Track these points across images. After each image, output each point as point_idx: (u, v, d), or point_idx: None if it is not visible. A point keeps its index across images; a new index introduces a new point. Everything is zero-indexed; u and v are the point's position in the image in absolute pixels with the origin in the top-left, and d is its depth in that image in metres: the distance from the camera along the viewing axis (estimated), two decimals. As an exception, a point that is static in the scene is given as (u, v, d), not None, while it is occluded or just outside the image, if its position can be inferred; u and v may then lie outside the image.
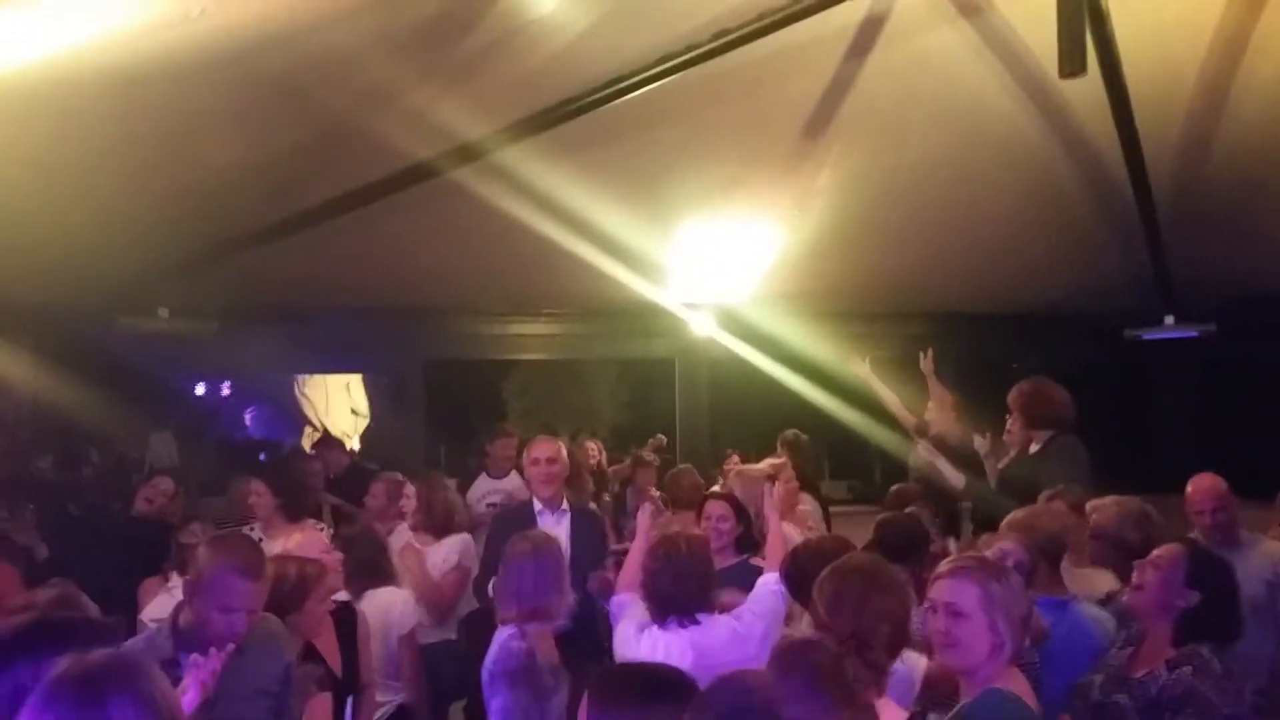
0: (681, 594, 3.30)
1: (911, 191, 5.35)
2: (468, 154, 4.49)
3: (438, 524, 5.10)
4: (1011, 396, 5.18)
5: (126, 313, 5.86)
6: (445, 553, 4.99)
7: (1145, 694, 2.75)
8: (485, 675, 3.30)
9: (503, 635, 3.36)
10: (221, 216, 5.12)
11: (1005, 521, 3.60)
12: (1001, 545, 3.45)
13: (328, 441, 7.91)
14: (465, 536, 5.15)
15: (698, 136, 4.83)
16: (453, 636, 4.97)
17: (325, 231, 5.17)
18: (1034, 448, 5.09)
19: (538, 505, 4.69)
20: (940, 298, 7.12)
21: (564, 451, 4.86)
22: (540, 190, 4.88)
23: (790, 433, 6.48)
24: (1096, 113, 4.49)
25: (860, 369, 6.29)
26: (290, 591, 3.18)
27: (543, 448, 4.77)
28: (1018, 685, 2.44)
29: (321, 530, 4.94)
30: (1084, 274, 6.58)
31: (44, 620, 1.93)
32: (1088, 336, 7.43)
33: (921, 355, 5.99)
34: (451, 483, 5.92)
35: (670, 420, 8.16)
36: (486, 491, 6.47)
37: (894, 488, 5.74)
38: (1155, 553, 2.98)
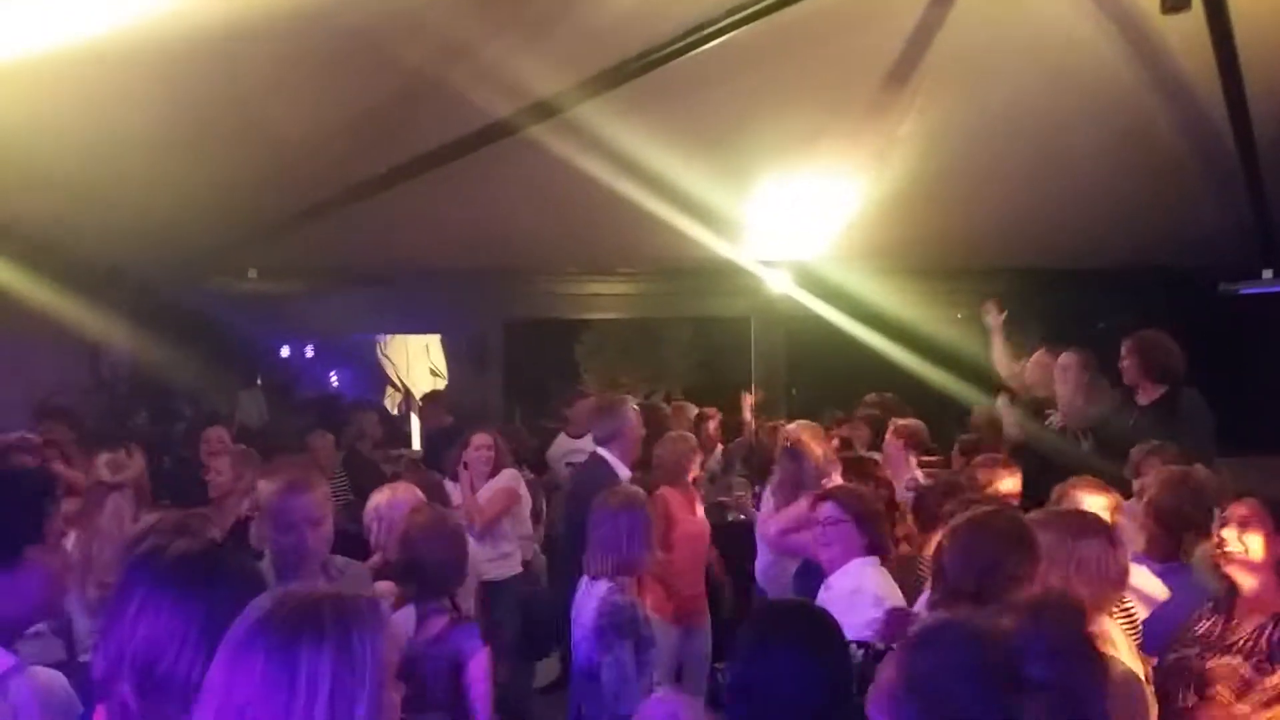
0: None
1: (998, 140, 5.19)
2: (543, 110, 4.49)
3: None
4: (1129, 344, 4.96)
5: (218, 273, 6.05)
6: (496, 481, 5.22)
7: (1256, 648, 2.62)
8: (587, 630, 3.35)
9: (599, 589, 3.41)
10: (306, 179, 5.23)
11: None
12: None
13: (432, 397, 8.03)
14: (513, 471, 5.37)
15: (775, 88, 4.75)
16: (519, 570, 5.26)
17: (405, 193, 5.25)
18: (1142, 400, 4.89)
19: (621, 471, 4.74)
20: (1026, 252, 6.92)
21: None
22: (614, 147, 4.86)
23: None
24: (1197, 52, 4.29)
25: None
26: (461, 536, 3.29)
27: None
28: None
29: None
30: (1178, 225, 6.33)
31: (219, 554, 1.85)
32: (1180, 291, 7.15)
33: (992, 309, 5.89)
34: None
35: (746, 380, 8.13)
36: (567, 451, 6.52)
37: None
38: (1242, 511, 2.77)
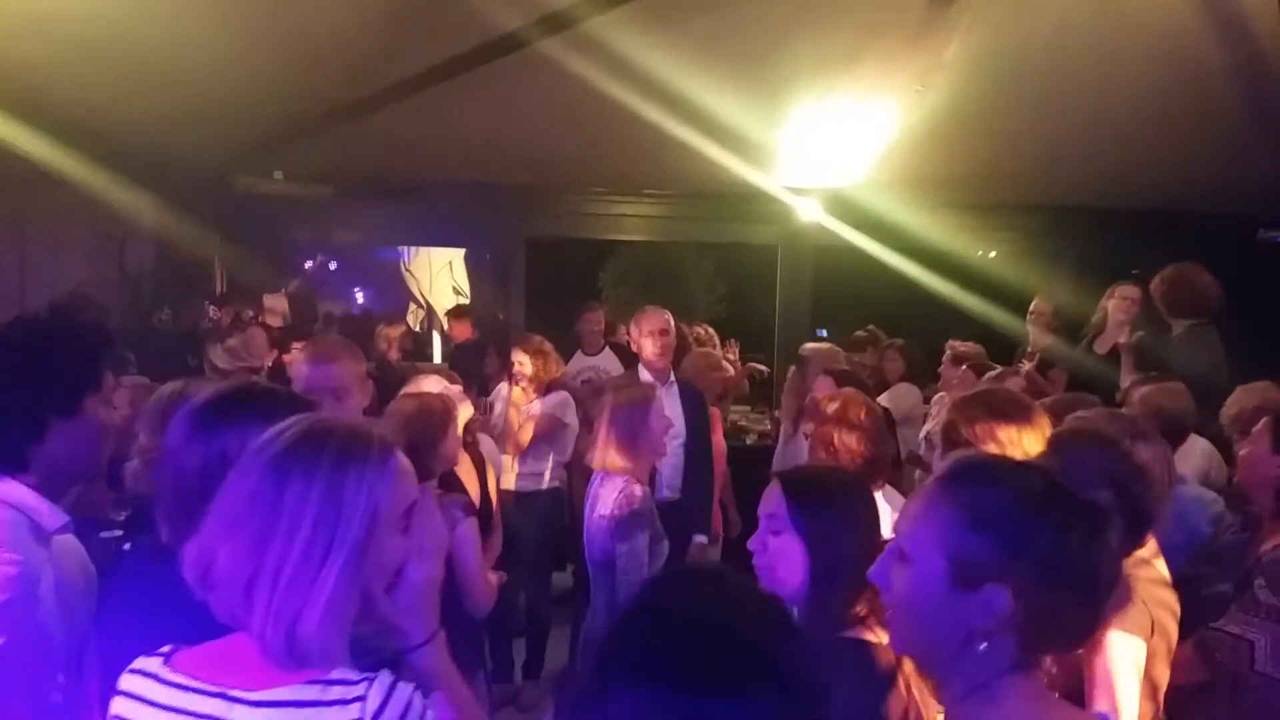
0: None
1: (1044, 68, 5.02)
2: (565, 21, 4.37)
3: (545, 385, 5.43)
4: (1154, 283, 4.97)
5: (244, 172, 6.02)
6: (543, 405, 5.35)
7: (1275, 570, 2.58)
8: (606, 523, 3.43)
9: (615, 483, 3.50)
10: (331, 82, 5.15)
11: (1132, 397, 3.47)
12: None
13: (457, 312, 8.14)
14: (564, 394, 5.48)
15: (812, 4, 4.60)
16: (558, 484, 5.45)
17: (429, 103, 5.18)
18: (1174, 336, 4.92)
19: (646, 376, 4.73)
20: (1065, 189, 6.77)
21: (672, 323, 4.94)
22: (639, 65, 4.73)
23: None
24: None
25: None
26: (438, 419, 3.31)
27: (655, 319, 4.81)
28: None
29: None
30: (1222, 169, 6.17)
31: (250, 387, 1.86)
32: (1219, 237, 6.99)
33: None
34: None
35: (770, 311, 8.07)
36: (581, 369, 6.56)
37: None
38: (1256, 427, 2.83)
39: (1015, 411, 2.51)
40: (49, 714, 1.81)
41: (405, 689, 1.33)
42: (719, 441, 5.25)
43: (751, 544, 2.05)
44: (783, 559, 1.96)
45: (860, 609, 1.90)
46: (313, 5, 4.33)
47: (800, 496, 1.99)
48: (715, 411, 5.32)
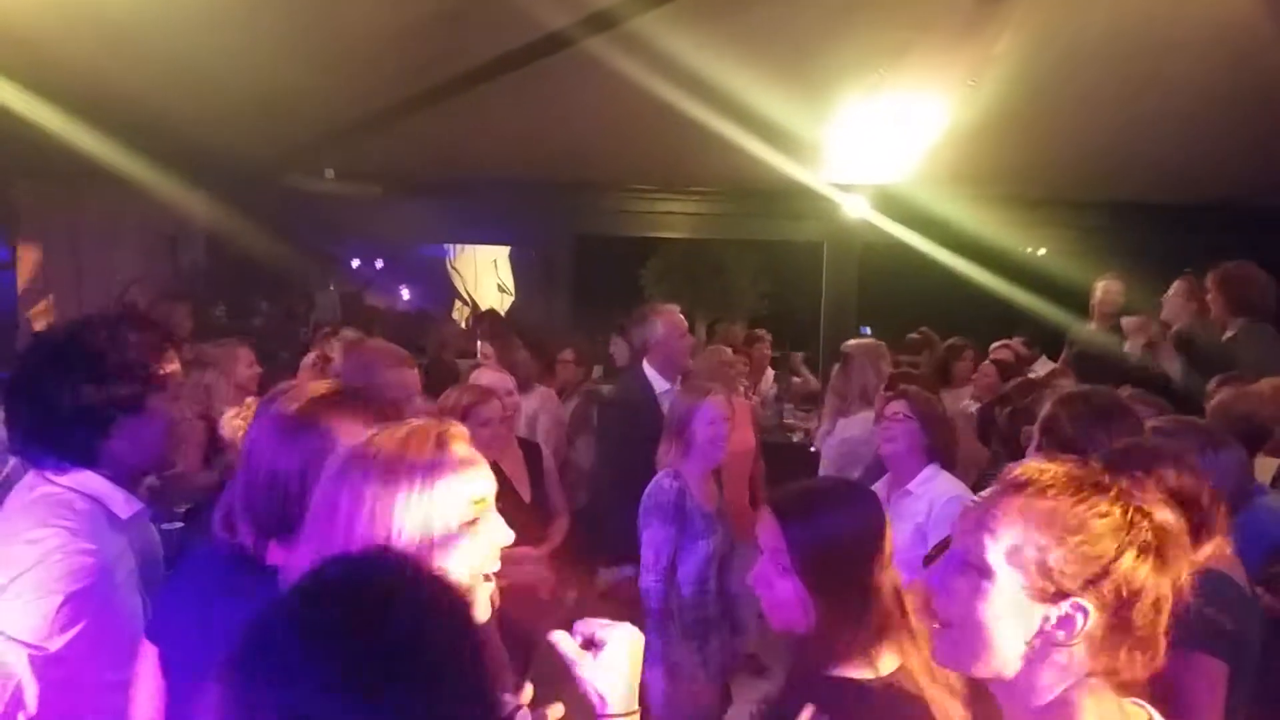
0: None
1: (1098, 60, 4.93)
2: (612, 19, 4.37)
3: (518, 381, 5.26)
4: (1212, 276, 4.88)
5: (295, 171, 6.11)
6: (532, 405, 5.13)
7: None
8: (640, 509, 3.48)
9: (661, 476, 3.53)
10: (377, 82, 5.21)
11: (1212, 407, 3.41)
12: None
13: (482, 317, 8.15)
14: (549, 390, 5.35)
15: (861, -2, 4.56)
16: None
17: (475, 100, 5.21)
18: (1228, 335, 4.82)
19: (655, 378, 4.59)
20: (1122, 184, 6.64)
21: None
22: (684, 62, 4.71)
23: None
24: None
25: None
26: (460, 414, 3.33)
27: (677, 319, 4.72)
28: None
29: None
30: (1282, 162, 6.01)
31: (352, 389, 1.89)
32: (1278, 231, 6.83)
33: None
34: (569, 353, 5.96)
35: (815, 308, 8.02)
36: None
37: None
38: None
39: (1118, 416, 2.47)
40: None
41: None
42: (748, 439, 5.08)
43: (755, 579, 1.82)
44: (788, 597, 1.75)
45: (867, 640, 1.70)
46: (362, 6, 4.37)
47: (800, 530, 1.77)
48: (743, 403, 5.19)
